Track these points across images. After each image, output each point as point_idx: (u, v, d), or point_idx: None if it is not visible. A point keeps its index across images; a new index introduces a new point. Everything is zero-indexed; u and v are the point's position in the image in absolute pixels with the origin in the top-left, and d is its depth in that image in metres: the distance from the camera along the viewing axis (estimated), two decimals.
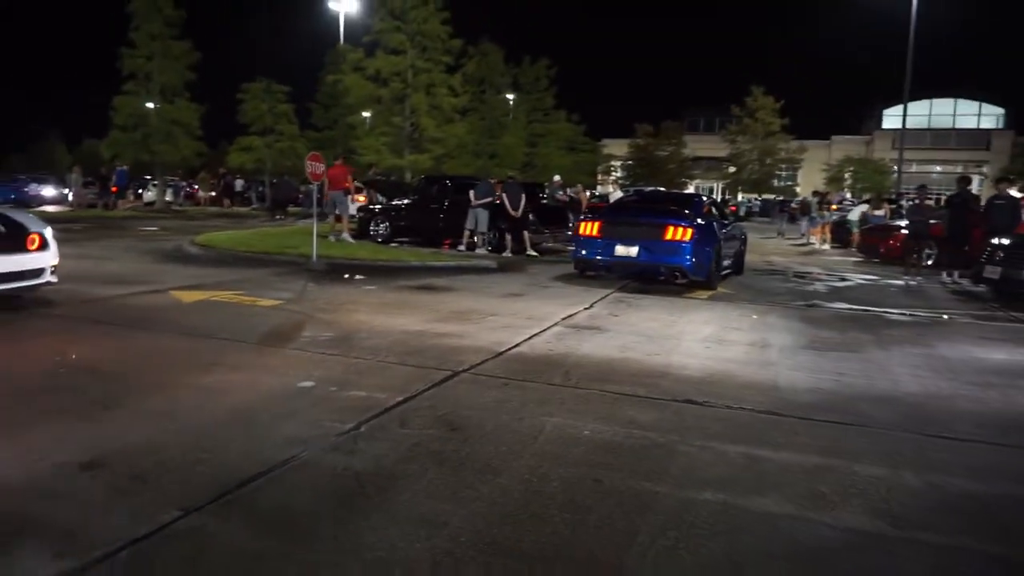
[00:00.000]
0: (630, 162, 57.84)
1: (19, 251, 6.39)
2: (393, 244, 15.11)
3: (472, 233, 13.84)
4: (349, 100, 24.56)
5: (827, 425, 4.09)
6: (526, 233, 13.84)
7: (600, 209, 13.48)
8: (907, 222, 13.61)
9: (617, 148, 59.10)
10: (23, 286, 6.50)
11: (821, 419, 4.19)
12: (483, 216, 13.62)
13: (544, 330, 6.58)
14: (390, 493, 2.94)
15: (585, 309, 7.93)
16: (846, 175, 52.76)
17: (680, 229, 9.60)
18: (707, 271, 9.87)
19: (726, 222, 11.78)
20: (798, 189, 53.80)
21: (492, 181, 14.58)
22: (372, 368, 4.98)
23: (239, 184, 34.59)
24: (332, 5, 29.02)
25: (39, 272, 6.61)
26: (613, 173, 58.90)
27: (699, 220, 10.08)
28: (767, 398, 4.59)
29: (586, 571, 2.41)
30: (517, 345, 5.89)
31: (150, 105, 28.33)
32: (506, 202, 13.48)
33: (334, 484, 3.03)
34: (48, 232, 6.77)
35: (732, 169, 56.07)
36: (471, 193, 13.70)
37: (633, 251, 9.76)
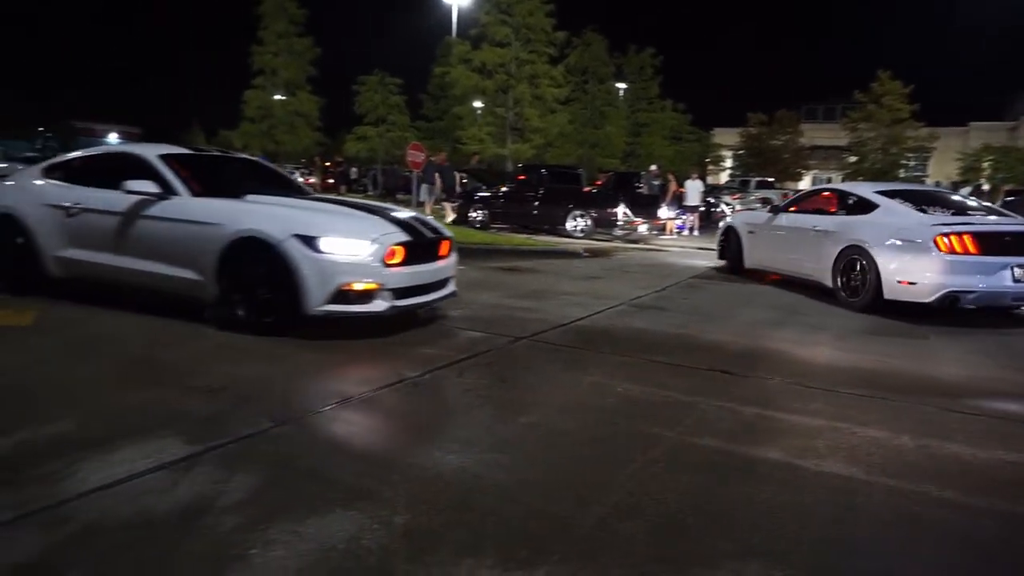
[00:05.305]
0: (741, 152, 56.26)
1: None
2: (491, 229, 15.97)
3: None
4: (455, 91, 25.64)
5: (848, 396, 4.41)
6: None
7: None
8: None
9: (728, 138, 57.55)
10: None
11: (845, 392, 4.50)
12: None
13: (609, 308, 7.10)
14: (439, 420, 3.64)
15: (656, 292, 8.36)
16: (984, 164, 48.95)
17: None
18: None
19: None
20: (927, 179, 50.57)
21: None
22: (445, 333, 5.71)
23: (353, 172, 36.75)
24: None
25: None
26: (723, 163, 57.52)
27: None
28: (805, 372, 4.93)
29: (585, 484, 2.99)
30: (580, 319, 6.46)
31: (276, 98, 30.77)
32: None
33: (401, 409, 3.76)
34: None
35: (853, 158, 53.31)
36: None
37: None
